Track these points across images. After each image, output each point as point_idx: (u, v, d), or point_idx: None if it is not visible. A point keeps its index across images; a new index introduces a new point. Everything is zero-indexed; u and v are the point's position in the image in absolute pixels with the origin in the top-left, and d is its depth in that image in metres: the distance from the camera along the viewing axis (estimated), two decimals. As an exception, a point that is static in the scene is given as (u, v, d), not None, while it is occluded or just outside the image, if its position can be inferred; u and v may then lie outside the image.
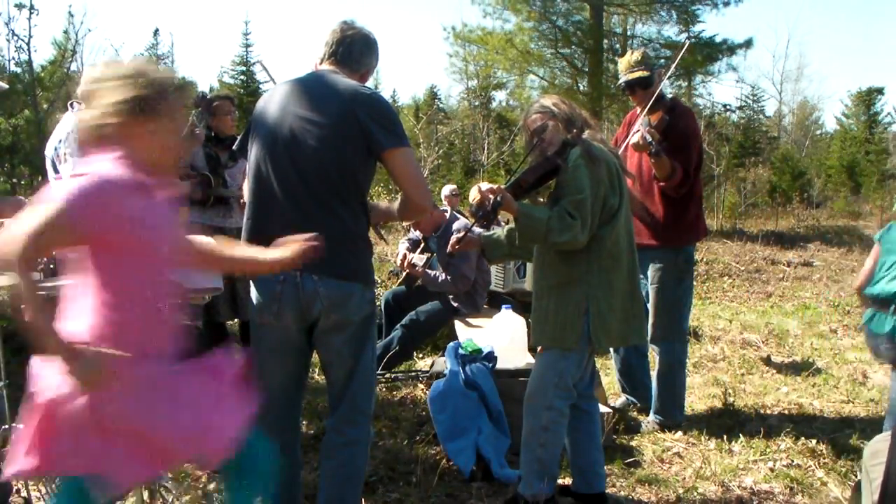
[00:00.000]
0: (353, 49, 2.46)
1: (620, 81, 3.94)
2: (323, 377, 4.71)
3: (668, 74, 3.82)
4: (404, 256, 5.32)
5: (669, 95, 3.94)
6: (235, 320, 4.64)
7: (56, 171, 3.27)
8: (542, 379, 2.81)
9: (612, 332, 2.78)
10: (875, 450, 1.80)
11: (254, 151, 2.43)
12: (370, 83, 2.67)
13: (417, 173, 2.46)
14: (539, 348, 2.94)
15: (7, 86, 4.09)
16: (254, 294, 2.43)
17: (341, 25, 2.50)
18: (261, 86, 16.94)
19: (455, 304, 5.00)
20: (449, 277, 4.92)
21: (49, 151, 3.29)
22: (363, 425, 2.43)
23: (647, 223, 3.86)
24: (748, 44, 14.54)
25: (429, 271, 5.05)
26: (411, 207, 2.49)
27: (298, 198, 2.32)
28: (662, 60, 12.99)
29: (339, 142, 2.31)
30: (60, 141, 3.26)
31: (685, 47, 3.85)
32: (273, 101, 2.43)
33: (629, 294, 2.83)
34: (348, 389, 2.40)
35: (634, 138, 3.62)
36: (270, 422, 2.24)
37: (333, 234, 2.26)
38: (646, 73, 3.78)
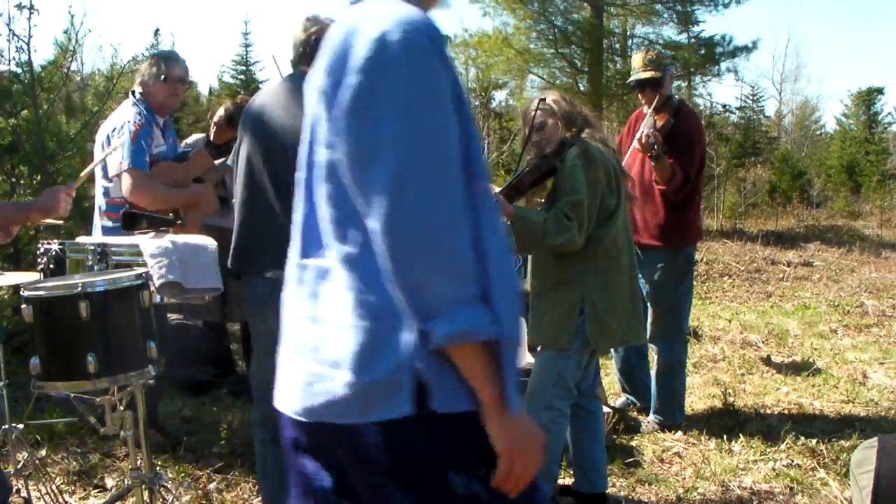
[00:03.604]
0: (318, 48, 2.46)
1: (631, 79, 3.97)
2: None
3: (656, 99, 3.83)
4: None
5: (676, 97, 3.96)
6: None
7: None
8: (542, 379, 2.81)
9: (609, 333, 2.77)
10: (861, 458, 1.80)
11: (242, 159, 2.46)
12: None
13: None
14: (539, 348, 2.94)
15: (8, 67, 4.06)
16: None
17: (304, 24, 2.48)
18: (261, 85, 16.91)
19: None
20: None
21: (101, 137, 3.28)
22: None
23: (647, 224, 3.87)
24: (752, 46, 14.46)
25: None
26: None
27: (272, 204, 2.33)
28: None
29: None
30: (114, 129, 3.22)
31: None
32: (253, 111, 2.45)
33: (628, 294, 2.82)
34: None
35: (639, 135, 3.65)
36: (264, 411, 2.39)
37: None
38: (657, 75, 3.81)
